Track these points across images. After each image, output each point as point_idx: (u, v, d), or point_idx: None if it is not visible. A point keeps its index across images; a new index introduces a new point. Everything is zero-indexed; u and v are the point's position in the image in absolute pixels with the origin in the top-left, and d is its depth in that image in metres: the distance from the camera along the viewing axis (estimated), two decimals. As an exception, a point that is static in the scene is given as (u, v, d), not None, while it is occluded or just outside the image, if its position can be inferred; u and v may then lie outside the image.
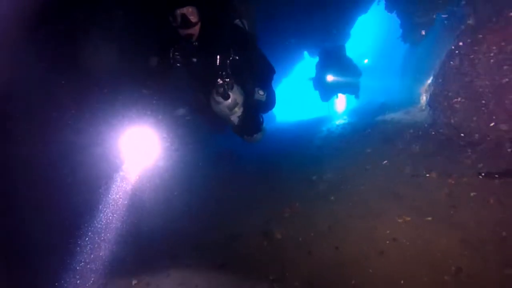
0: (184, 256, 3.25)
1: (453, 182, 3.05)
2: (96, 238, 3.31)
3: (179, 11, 2.68)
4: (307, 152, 5.87)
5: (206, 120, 3.55)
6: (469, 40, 3.80)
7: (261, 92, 3.13)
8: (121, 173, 3.34)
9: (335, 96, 9.29)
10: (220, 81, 2.97)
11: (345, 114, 10.31)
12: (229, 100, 3.03)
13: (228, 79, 2.96)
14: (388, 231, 2.71)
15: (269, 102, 3.33)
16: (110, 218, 3.41)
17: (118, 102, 3.68)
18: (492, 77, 3.49)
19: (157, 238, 3.56)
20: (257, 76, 3.17)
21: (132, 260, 3.24)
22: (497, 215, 2.45)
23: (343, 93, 9.22)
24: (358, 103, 10.43)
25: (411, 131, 4.92)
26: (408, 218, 2.75)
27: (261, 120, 3.36)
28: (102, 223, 3.36)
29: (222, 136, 4.32)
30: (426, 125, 4.75)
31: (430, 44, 7.82)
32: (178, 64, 3.00)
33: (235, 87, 3.06)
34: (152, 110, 2.97)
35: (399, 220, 2.77)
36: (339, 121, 8.72)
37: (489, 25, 3.73)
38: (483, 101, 3.60)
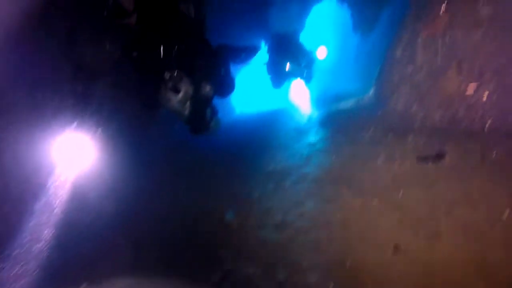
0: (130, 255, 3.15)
1: (396, 166, 3.28)
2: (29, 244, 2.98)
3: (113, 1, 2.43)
4: (262, 142, 5.95)
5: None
6: (408, 33, 4.05)
7: (207, 87, 3.04)
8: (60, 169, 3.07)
9: (288, 81, 9.05)
10: (167, 74, 2.81)
11: (300, 104, 10.38)
12: (180, 94, 2.90)
13: (176, 71, 2.80)
14: (339, 215, 2.88)
15: (224, 92, 3.27)
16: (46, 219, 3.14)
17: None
18: (428, 66, 3.77)
19: (100, 238, 3.31)
20: (203, 68, 3.05)
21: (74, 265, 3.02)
22: (431, 196, 2.69)
23: (295, 77, 8.98)
24: (313, 92, 10.65)
25: (361, 119, 5.19)
26: (358, 202, 2.92)
27: (214, 113, 3.28)
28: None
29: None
30: (374, 113, 5.03)
31: (379, 35, 8.21)
32: (116, 59, 2.82)
33: (185, 79, 2.91)
34: (86, 109, 2.75)
35: (349, 204, 2.95)
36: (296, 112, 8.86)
37: (424, 19, 4.01)
38: (421, 89, 3.88)
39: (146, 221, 3.58)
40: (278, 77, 8.70)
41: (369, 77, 8.34)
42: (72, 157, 2.93)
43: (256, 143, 5.82)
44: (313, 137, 5.22)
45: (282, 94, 11.54)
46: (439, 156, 3.07)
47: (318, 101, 9.16)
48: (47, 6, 2.81)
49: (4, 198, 2.99)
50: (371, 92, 7.14)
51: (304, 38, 10.93)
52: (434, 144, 3.46)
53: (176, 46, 2.77)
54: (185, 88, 2.91)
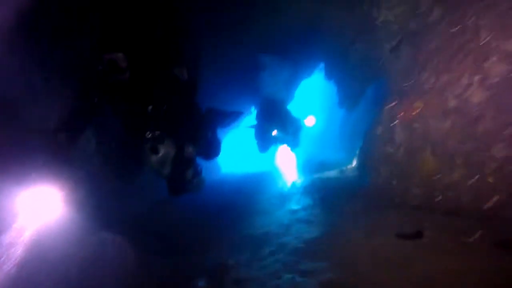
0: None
1: (376, 242, 3.26)
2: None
3: (107, 56, 2.53)
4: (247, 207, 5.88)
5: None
6: (387, 114, 4.35)
7: (189, 149, 3.05)
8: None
9: (274, 146, 9.21)
10: (149, 134, 2.83)
11: (285, 170, 10.50)
12: (159, 155, 2.89)
13: (158, 132, 2.82)
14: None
15: (209, 154, 3.28)
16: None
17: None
18: (406, 146, 3.98)
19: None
20: (188, 130, 3.08)
21: None
22: (408, 274, 2.64)
23: (282, 143, 9.17)
24: (299, 159, 10.90)
25: (343, 191, 5.28)
26: (335, 278, 2.83)
27: (196, 174, 3.27)
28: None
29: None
30: (355, 186, 5.14)
31: (362, 111, 8.75)
32: (104, 111, 2.82)
33: (167, 140, 2.92)
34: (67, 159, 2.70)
35: (327, 280, 2.84)
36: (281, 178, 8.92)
37: (400, 104, 4.35)
38: (400, 168, 4.04)
39: None
40: (265, 142, 8.83)
41: (352, 149, 8.69)
42: (37, 212, 2.80)
43: (238, 206, 5.75)
44: (295, 205, 5.21)
45: (268, 158, 11.73)
46: (418, 234, 3.08)
47: (304, 167, 9.35)
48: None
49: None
50: (354, 164, 7.37)
51: (293, 108, 11.54)
52: (413, 221, 3.50)
53: (164, 106, 2.81)
54: (166, 149, 2.91)
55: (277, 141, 8.97)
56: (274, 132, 8.55)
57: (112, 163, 3.52)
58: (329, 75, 9.59)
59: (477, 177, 3.37)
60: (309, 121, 12.24)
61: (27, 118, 2.93)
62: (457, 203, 3.52)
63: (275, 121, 8.44)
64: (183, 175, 3.10)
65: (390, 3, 4.78)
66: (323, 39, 8.29)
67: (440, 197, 3.67)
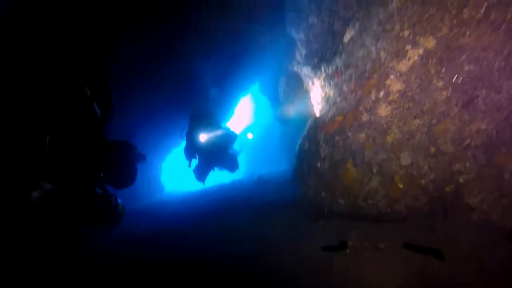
0: None
1: (304, 252, 3.38)
2: None
3: None
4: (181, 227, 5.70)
5: None
6: (313, 129, 4.60)
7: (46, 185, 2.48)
8: None
9: (212, 171, 8.81)
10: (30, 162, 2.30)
11: (224, 187, 10.35)
12: (40, 190, 2.41)
13: (37, 161, 2.33)
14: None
15: (117, 183, 2.89)
16: None
17: None
18: (330, 158, 4.23)
19: None
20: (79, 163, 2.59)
21: None
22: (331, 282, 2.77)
23: (220, 168, 8.82)
24: (239, 175, 10.97)
25: (280, 202, 5.42)
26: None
27: (106, 204, 2.93)
28: None
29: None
30: (289, 198, 5.31)
31: (295, 126, 9.16)
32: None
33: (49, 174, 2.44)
34: None
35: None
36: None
37: (324, 120, 4.65)
38: (326, 179, 4.27)
39: None
40: (202, 172, 8.40)
41: (289, 162, 9.00)
42: None
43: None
44: (232, 222, 5.19)
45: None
46: (342, 245, 3.26)
47: (242, 185, 9.40)
48: None
49: None
50: (291, 178, 7.64)
51: (233, 124, 11.64)
52: (339, 231, 3.71)
53: (48, 137, 2.36)
54: (47, 184, 2.46)
55: (214, 163, 8.53)
56: (202, 138, 7.77)
57: None
58: (263, 91, 9.94)
59: (389, 183, 3.71)
60: (249, 135, 12.36)
61: None
62: (377, 210, 3.82)
63: (207, 133, 7.90)
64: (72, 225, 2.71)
65: (307, 25, 5.13)
66: (257, 57, 8.59)
67: (362, 206, 3.95)
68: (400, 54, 3.55)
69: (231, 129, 8.64)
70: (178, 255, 4.11)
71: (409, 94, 3.60)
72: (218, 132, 8.08)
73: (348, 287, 2.62)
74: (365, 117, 3.83)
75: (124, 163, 3.03)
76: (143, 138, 8.59)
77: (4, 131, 2.21)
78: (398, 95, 3.58)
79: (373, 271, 2.73)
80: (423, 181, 3.56)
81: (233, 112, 12.53)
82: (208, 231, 4.94)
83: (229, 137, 8.40)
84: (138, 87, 6.85)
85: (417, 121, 3.59)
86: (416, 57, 3.53)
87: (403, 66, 3.55)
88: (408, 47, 3.59)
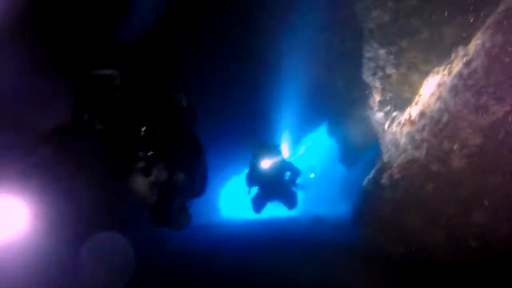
0: None
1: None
2: None
3: (99, 72, 2.43)
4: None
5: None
6: (380, 171, 4.65)
7: (181, 176, 2.88)
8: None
9: (269, 203, 8.73)
10: (142, 153, 2.63)
11: (279, 220, 10.21)
12: (151, 178, 2.67)
13: (151, 152, 2.63)
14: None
15: (195, 187, 3.05)
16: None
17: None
18: (393, 203, 4.21)
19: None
20: (181, 156, 2.88)
21: None
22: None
23: (278, 202, 8.69)
24: (295, 212, 10.90)
25: (335, 244, 5.39)
26: None
27: (183, 206, 3.07)
28: None
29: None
30: (347, 240, 5.26)
31: (362, 170, 9.04)
32: (94, 128, 2.61)
33: (159, 163, 2.73)
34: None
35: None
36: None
37: (396, 164, 4.67)
38: (387, 225, 4.23)
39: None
40: (259, 202, 8.45)
41: (349, 205, 8.81)
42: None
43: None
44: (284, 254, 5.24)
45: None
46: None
47: (301, 219, 9.37)
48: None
49: None
50: (350, 219, 7.47)
51: (298, 163, 11.80)
52: (392, 277, 3.62)
53: (158, 130, 2.65)
54: (157, 173, 2.72)
55: (273, 200, 8.55)
56: (265, 165, 7.78)
57: (95, 186, 3.31)
58: (331, 131, 10.09)
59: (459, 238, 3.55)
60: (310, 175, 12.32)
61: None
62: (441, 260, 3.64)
63: (270, 167, 7.92)
64: (172, 203, 2.86)
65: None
66: (329, 97, 8.87)
67: (421, 253, 3.80)
68: (481, 109, 3.53)
69: (295, 165, 8.78)
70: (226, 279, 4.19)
71: (487, 149, 3.51)
72: (282, 164, 8.16)
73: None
74: (435, 167, 3.80)
75: (206, 165, 3.19)
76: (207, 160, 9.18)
77: (121, 125, 2.65)
78: (474, 149, 3.52)
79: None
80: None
81: (298, 149, 12.84)
82: (258, 263, 4.90)
83: (292, 172, 8.43)
84: (209, 112, 7.30)
85: (494, 178, 3.45)
86: (500, 113, 3.45)
87: (483, 120, 3.50)
88: (492, 102, 3.54)
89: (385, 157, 5.00)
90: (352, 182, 10.79)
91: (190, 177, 3.00)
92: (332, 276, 4.06)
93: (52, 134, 2.88)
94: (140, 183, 2.69)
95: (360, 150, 8.20)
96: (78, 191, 3.35)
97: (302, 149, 14.14)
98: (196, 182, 3.15)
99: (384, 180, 4.49)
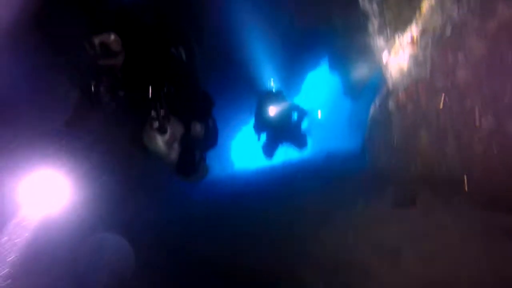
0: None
1: (372, 211, 3.63)
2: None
3: (97, 39, 2.33)
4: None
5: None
6: (384, 99, 4.68)
7: (198, 127, 2.96)
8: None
9: (279, 147, 8.79)
10: (154, 113, 2.64)
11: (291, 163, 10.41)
12: (167, 135, 2.71)
13: (164, 111, 2.64)
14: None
15: (209, 138, 3.13)
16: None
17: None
18: (402, 126, 4.30)
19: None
20: (194, 109, 2.93)
21: None
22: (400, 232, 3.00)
23: (288, 144, 8.79)
24: (307, 152, 11.12)
25: (349, 173, 5.63)
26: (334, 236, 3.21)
27: (202, 157, 3.19)
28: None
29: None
30: (360, 169, 5.48)
31: (366, 100, 9.02)
32: (102, 99, 2.62)
33: (173, 119, 2.76)
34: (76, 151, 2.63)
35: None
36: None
37: (401, 87, 4.66)
38: (398, 148, 4.37)
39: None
40: (270, 148, 8.47)
41: (358, 137, 8.95)
42: (40, 202, 2.65)
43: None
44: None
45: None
46: (412, 201, 3.43)
47: (313, 158, 9.65)
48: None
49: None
50: (361, 150, 7.67)
51: (301, 101, 11.78)
52: (410, 194, 3.84)
53: (165, 89, 2.65)
54: (173, 129, 2.75)
55: (283, 142, 8.62)
56: (271, 112, 7.75)
57: (115, 154, 3.40)
58: (333, 66, 9.91)
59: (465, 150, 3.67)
60: (319, 112, 12.26)
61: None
62: (449, 174, 3.82)
63: (276, 112, 7.92)
64: (193, 155, 2.96)
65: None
66: (328, 34, 8.59)
67: (435, 171, 3.98)
68: (487, 14, 3.40)
69: (300, 106, 8.80)
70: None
71: (494, 57, 3.47)
72: (287, 107, 8.17)
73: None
74: (440, 83, 3.80)
75: (214, 120, 3.25)
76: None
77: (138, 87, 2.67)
78: (480, 57, 3.49)
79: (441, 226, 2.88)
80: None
81: (301, 89, 12.73)
82: (275, 207, 5.10)
83: (299, 113, 8.46)
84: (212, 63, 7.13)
85: (500, 85, 3.46)
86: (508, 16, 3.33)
87: (490, 26, 3.40)
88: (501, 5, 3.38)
89: (390, 84, 4.98)
90: (359, 114, 10.84)
91: (206, 128, 3.07)
92: (348, 208, 4.28)
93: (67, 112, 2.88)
94: (157, 142, 2.76)
95: (364, 81, 8.11)
96: (103, 163, 3.49)
97: (304, 89, 13.98)
98: (211, 132, 3.22)
99: (391, 107, 4.54)
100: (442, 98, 3.81)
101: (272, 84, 8.74)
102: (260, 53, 9.38)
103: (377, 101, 5.16)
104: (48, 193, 2.68)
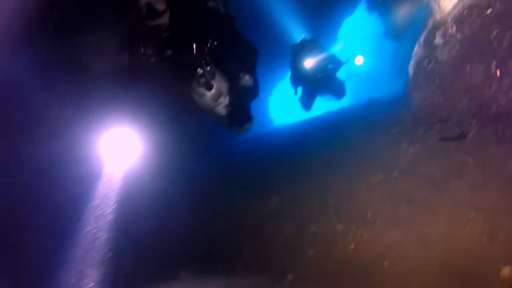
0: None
1: (418, 147, 3.65)
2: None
3: (143, 1, 2.40)
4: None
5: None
6: (428, 34, 4.43)
7: (246, 77, 3.05)
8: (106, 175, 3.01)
9: (317, 98, 8.78)
10: (200, 70, 2.73)
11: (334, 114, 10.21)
12: (213, 90, 2.83)
13: (208, 67, 2.72)
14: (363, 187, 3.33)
15: (254, 88, 3.21)
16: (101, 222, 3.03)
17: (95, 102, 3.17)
18: (449, 63, 4.10)
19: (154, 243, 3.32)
20: (240, 60, 3.01)
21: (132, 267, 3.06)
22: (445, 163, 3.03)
23: (326, 94, 8.74)
24: (349, 101, 10.77)
25: (394, 115, 5.51)
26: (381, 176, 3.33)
27: (248, 108, 3.35)
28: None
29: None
30: (404, 109, 5.35)
31: (409, 40, 8.43)
32: (152, 60, 2.71)
33: (218, 75, 2.85)
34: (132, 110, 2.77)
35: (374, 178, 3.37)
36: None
37: (450, 17, 4.35)
38: (444, 85, 4.19)
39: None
40: (307, 100, 8.49)
41: (403, 80, 8.52)
42: (120, 156, 2.91)
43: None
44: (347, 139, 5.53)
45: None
46: (461, 136, 3.39)
47: (354, 106, 9.38)
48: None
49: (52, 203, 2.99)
50: (404, 91, 7.37)
51: (340, 52, 11.21)
52: (457, 129, 3.76)
53: (209, 43, 2.69)
54: (218, 84, 2.85)
55: (320, 93, 8.57)
56: (308, 64, 7.70)
57: (166, 111, 3.40)
58: (371, 7, 9.27)
59: None
60: (358, 60, 11.78)
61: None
62: (498, 109, 3.64)
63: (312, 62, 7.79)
64: (241, 106, 3.09)
65: None
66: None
67: (484, 106, 3.82)
68: None
69: (336, 55, 8.48)
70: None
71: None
72: (323, 58, 7.97)
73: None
74: (498, 6, 3.49)
75: (255, 72, 3.30)
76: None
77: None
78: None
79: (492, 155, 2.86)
80: None
81: (338, 37, 12.13)
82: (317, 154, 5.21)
83: (335, 62, 8.22)
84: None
85: None
86: None
87: None
88: None
89: (438, 15, 4.65)
90: (403, 56, 10.22)
91: (252, 78, 3.17)
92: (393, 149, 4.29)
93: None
94: (205, 98, 2.94)
95: (407, 18, 7.56)
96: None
97: (341, 44, 13.25)
98: (257, 82, 3.32)
99: (438, 41, 4.29)
100: (495, 26, 3.53)
101: (306, 34, 8.48)
102: (291, 3, 8.96)
103: (422, 38, 4.88)
104: (123, 148, 2.98)
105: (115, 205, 3.18)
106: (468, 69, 3.88)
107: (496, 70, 3.60)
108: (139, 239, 3.44)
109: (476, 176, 2.79)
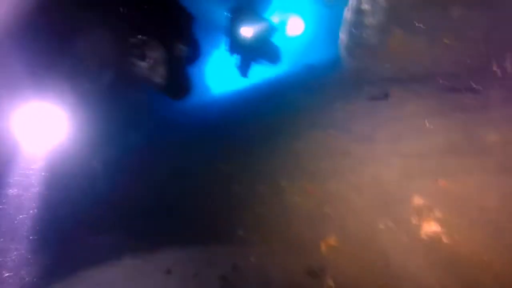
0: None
1: (350, 106, 4.00)
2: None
3: None
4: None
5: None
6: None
7: (183, 43, 2.96)
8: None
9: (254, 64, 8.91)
10: (132, 39, 2.63)
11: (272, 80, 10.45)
12: (150, 60, 2.72)
13: (141, 36, 2.63)
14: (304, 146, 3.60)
15: (193, 54, 3.18)
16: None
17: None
18: (375, 25, 4.42)
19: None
20: (175, 26, 2.92)
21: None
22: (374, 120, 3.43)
23: (262, 60, 8.89)
24: (285, 66, 11.04)
25: (326, 78, 5.88)
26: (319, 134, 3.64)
27: (187, 75, 3.27)
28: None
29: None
30: (336, 72, 5.72)
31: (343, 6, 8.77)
32: (87, 27, 2.54)
33: (152, 44, 2.74)
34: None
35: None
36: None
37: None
38: (372, 47, 4.56)
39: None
40: (244, 66, 8.62)
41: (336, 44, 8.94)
42: (42, 131, 2.66)
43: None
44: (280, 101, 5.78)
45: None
46: (386, 96, 3.80)
47: (289, 72, 9.66)
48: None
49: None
50: (337, 56, 7.81)
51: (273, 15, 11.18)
52: (384, 90, 4.19)
53: (144, 9, 2.60)
54: (154, 54, 2.73)
55: (256, 60, 8.72)
56: (244, 33, 7.79)
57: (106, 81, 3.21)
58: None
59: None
60: (294, 25, 11.83)
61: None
62: (423, 71, 4.12)
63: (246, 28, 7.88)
64: (181, 75, 3.05)
65: None
66: None
67: (408, 69, 4.27)
68: None
69: (270, 20, 8.61)
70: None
71: None
72: (258, 24, 8.07)
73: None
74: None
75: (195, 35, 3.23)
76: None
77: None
78: None
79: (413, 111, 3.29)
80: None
81: (272, 3, 12.09)
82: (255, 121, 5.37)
83: (269, 28, 8.37)
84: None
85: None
86: None
87: None
88: None
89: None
90: (336, 21, 10.62)
91: (189, 44, 3.11)
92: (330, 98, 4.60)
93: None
94: (140, 68, 2.80)
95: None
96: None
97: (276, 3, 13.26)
98: (194, 48, 3.29)
99: (364, 5, 4.58)
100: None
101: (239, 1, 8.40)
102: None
103: (350, 3, 5.16)
104: (47, 125, 2.72)
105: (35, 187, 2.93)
106: (391, 36, 4.27)
107: (415, 34, 4.03)
108: (63, 226, 3.25)
109: (398, 128, 3.22)
